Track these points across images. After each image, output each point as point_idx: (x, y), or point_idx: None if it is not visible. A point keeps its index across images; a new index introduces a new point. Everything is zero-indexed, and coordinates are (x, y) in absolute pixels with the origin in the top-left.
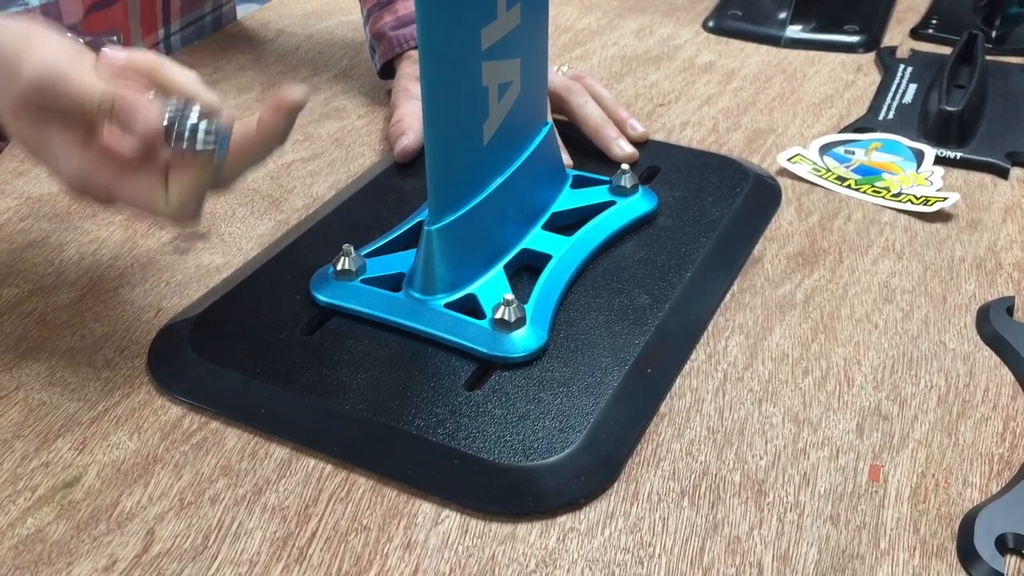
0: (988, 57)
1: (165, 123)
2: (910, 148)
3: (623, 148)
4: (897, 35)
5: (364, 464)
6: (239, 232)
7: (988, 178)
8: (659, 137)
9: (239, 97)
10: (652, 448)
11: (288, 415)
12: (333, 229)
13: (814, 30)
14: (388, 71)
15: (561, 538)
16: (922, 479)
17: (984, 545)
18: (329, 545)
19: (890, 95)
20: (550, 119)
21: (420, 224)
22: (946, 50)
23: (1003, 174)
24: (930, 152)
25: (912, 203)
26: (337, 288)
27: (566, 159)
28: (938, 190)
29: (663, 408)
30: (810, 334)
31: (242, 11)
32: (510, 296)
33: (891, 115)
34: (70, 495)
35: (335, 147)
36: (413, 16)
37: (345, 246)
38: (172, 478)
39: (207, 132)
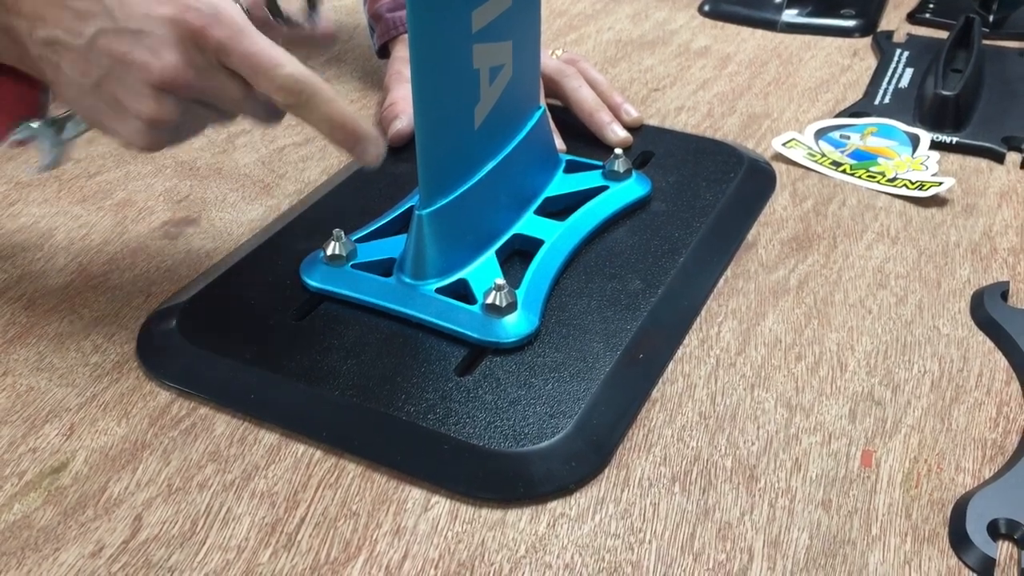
0: (985, 41)
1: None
2: (906, 133)
3: (617, 133)
4: (894, 19)
5: (354, 450)
6: (230, 217)
7: (984, 163)
8: (653, 122)
9: None
10: (643, 434)
11: (278, 401)
12: (324, 214)
13: (810, 14)
14: (386, 52)
15: (551, 524)
16: (914, 464)
17: (976, 530)
18: (318, 531)
19: (886, 80)
20: (543, 103)
21: (411, 209)
22: (943, 34)
23: (999, 159)
24: (926, 137)
25: (907, 188)
26: (328, 273)
27: (559, 143)
28: (933, 175)
29: (655, 394)
30: (803, 319)
31: None
32: (501, 281)
33: (887, 100)
34: (58, 481)
35: None
36: None
37: (336, 231)
38: (160, 464)
39: None
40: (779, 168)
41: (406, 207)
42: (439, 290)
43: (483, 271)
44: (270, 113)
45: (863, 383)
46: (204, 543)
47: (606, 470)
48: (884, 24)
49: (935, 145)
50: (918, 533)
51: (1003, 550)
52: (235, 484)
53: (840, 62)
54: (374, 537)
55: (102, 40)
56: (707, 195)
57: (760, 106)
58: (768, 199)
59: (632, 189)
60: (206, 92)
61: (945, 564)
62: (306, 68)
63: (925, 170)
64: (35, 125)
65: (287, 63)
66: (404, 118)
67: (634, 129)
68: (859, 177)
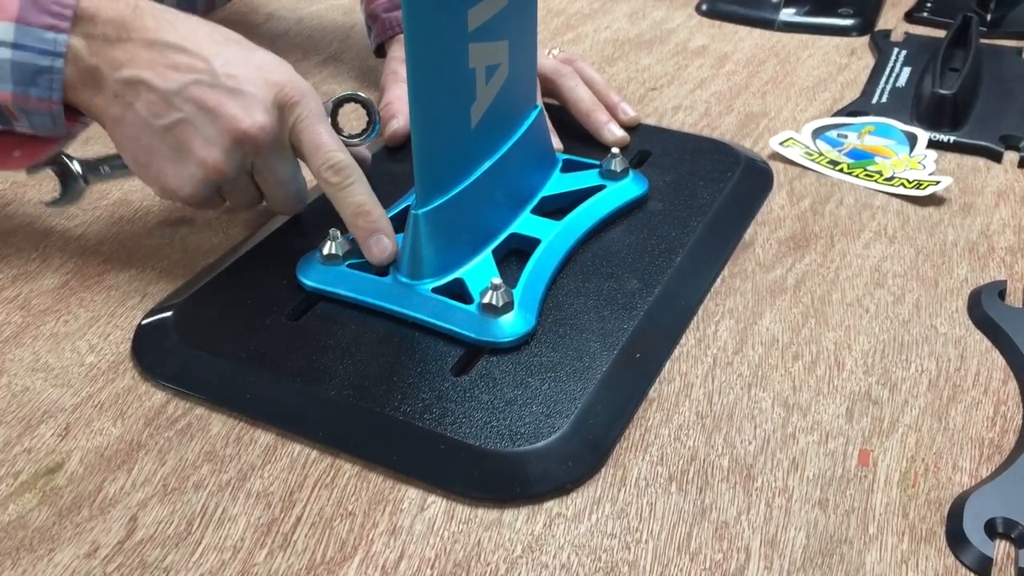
0: (983, 40)
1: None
2: (903, 132)
3: (614, 132)
4: (892, 18)
5: (350, 450)
6: (225, 217)
7: (981, 162)
8: (651, 121)
9: None
10: (640, 433)
11: (274, 400)
12: (321, 214)
13: (808, 13)
14: (383, 52)
15: (548, 524)
16: (912, 463)
17: (973, 529)
18: (314, 531)
19: (884, 78)
20: (540, 103)
21: (407, 209)
22: (941, 33)
23: (996, 158)
24: (923, 136)
25: (905, 187)
26: (324, 272)
27: (556, 143)
28: (931, 174)
29: (652, 393)
30: (801, 318)
31: None
32: (498, 280)
33: (884, 99)
34: (53, 481)
35: None
36: None
37: (332, 230)
38: (156, 464)
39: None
40: (776, 167)
41: (402, 207)
42: (435, 289)
43: (480, 270)
44: (294, 204)
45: (860, 382)
46: (200, 543)
47: (603, 470)
48: (882, 23)
49: (932, 144)
50: (915, 532)
51: (1000, 549)
52: (231, 484)
53: (837, 61)
54: (370, 537)
55: (195, 90)
56: (704, 194)
57: (757, 105)
58: (765, 198)
59: (629, 188)
60: (268, 160)
61: (942, 563)
62: (353, 160)
63: (922, 169)
64: (74, 164)
65: (342, 150)
66: (401, 118)
67: (631, 128)
68: (856, 176)
